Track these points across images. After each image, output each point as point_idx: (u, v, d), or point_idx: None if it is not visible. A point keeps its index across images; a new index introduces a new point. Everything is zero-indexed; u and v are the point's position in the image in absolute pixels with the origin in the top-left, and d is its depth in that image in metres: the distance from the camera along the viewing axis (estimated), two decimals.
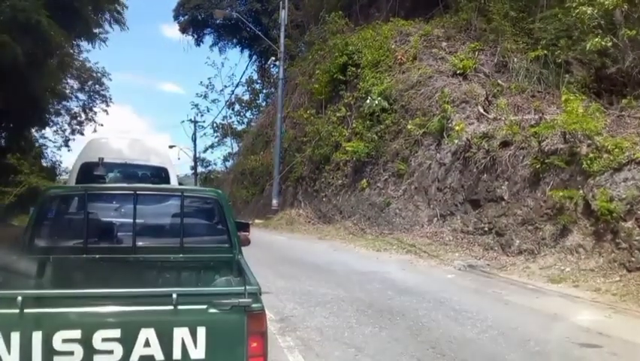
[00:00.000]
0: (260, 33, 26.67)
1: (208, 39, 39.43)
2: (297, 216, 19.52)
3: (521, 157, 12.10)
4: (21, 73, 12.57)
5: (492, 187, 12.40)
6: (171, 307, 2.66)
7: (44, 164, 46.45)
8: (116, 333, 2.61)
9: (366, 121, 18.11)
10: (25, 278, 3.55)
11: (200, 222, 4.65)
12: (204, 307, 2.74)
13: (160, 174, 9.20)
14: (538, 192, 11.27)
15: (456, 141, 13.99)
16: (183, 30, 38.85)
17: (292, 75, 27.21)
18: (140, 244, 4.22)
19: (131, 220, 4.22)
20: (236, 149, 43.31)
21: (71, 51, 25.56)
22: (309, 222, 18.99)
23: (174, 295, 2.67)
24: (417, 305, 7.09)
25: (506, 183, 12.11)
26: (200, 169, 47.72)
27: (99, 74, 28.17)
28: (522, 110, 14.57)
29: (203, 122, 46.74)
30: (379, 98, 17.22)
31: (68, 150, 33.42)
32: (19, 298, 2.54)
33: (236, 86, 42.04)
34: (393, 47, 19.26)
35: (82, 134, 30.14)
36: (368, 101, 17.40)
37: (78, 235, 4.12)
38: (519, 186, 11.77)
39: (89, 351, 2.57)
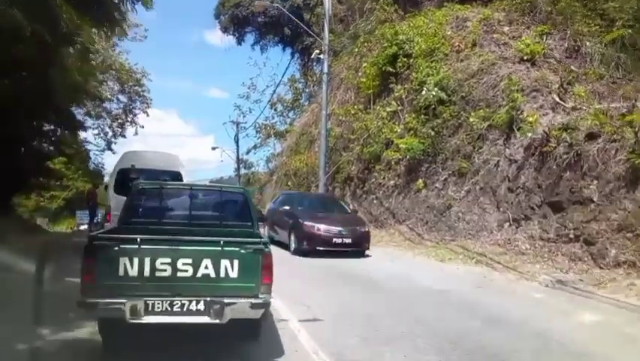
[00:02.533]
0: (302, 24, 25.30)
1: (249, 38, 38.46)
2: None
3: (613, 151, 10.25)
4: (31, 61, 11.57)
5: (577, 187, 10.58)
6: (219, 248, 4.72)
7: (90, 168, 46.63)
8: (189, 260, 4.66)
9: (420, 115, 16.48)
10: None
11: (233, 209, 6.63)
12: (238, 249, 4.81)
13: (176, 177, 12.49)
14: (638, 193, 9.45)
15: (529, 134, 12.23)
16: (224, 29, 38.02)
17: (336, 71, 25.75)
18: (193, 221, 6.22)
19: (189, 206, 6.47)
20: (279, 150, 42.38)
21: (99, 46, 24.99)
22: None
23: (221, 241, 4.74)
24: (517, 344, 5.49)
25: (595, 182, 10.28)
26: (243, 171, 47.05)
27: (139, 75, 27.53)
28: (604, 98, 12.73)
29: (245, 122, 46.11)
30: (436, 89, 15.55)
31: (113, 153, 33.05)
32: (138, 238, 4.62)
33: (278, 85, 40.94)
34: (449, 33, 17.55)
35: (123, 136, 29.65)
36: (424, 92, 15.75)
37: (157, 213, 6.33)
38: (612, 185, 9.93)
39: (175, 270, 4.63)
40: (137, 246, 4.58)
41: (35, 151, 22.94)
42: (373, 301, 7.48)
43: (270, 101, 42.85)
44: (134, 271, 4.56)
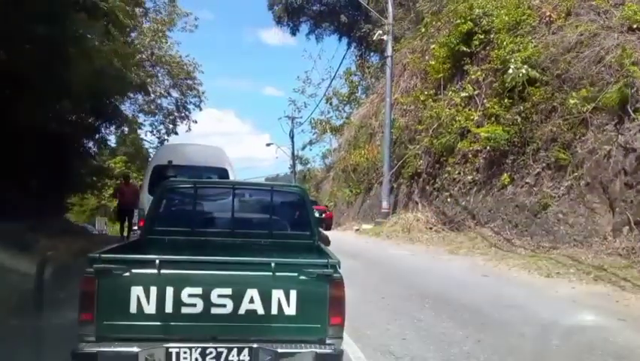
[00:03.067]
0: (362, 1, 23.15)
1: (304, 28, 36.86)
2: (415, 221, 15.82)
3: None
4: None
5: None
6: (270, 273, 3.41)
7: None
8: (228, 291, 3.38)
9: (504, 99, 14.10)
10: None
11: (287, 214, 5.40)
12: (296, 274, 3.47)
13: (222, 175, 10.58)
14: None
15: None
16: (278, 20, 36.59)
17: (398, 57, 23.44)
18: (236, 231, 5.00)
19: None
20: (335, 145, 40.67)
21: (147, 37, 23.74)
22: (431, 228, 15.24)
23: (272, 264, 3.42)
24: None
25: None
26: (299, 167, 45.60)
27: (190, 66, 26.24)
28: None
29: (301, 117, 44.61)
30: (525, 67, 13.11)
31: None
32: (157, 261, 3.36)
33: (334, 77, 39.09)
34: (535, 3, 15.01)
35: (176, 133, 28.57)
36: (510, 71, 13.32)
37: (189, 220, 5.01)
38: None
39: (208, 304, 3.35)
40: (155, 271, 3.35)
41: (81, 149, 22.10)
42: (485, 348, 5.29)
43: (325, 95, 41.21)
44: (150, 307, 3.33)
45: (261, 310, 3.39)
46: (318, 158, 43.39)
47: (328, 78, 40.99)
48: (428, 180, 17.30)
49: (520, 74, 13.05)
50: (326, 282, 3.45)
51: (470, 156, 15.17)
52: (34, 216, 16.17)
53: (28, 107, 12.67)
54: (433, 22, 19.88)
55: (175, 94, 27.59)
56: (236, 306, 3.37)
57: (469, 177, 14.98)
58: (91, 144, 23.48)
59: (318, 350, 3.37)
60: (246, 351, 3.34)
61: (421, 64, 19.88)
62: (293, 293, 3.41)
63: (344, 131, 33.64)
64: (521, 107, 13.44)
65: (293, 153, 45.42)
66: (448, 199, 15.61)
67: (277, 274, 3.40)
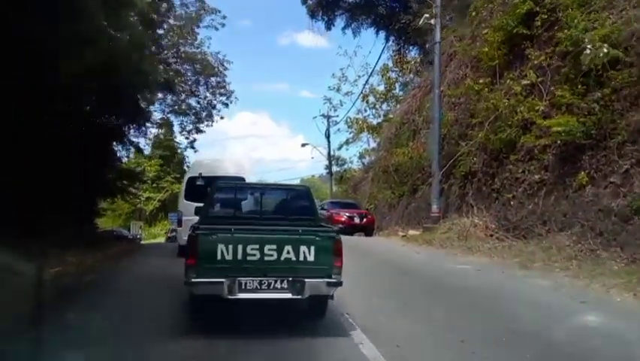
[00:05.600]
0: None
1: (339, 22, 35.03)
2: (473, 227, 13.93)
3: None
4: None
5: None
6: (298, 236, 5.63)
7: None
8: (274, 246, 5.47)
9: (576, 85, 12.11)
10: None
11: (297, 205, 7.40)
12: (314, 236, 5.64)
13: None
14: None
15: None
16: (312, 14, 34.90)
17: (444, 47, 21.43)
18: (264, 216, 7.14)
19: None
20: (372, 145, 38.93)
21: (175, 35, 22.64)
22: (492, 235, 13.32)
23: (300, 230, 5.73)
24: None
25: None
26: (335, 168, 43.91)
27: (217, 62, 24.93)
28: None
29: (337, 116, 43.01)
30: (605, 46, 11.13)
31: (195, 152, 30.97)
32: (232, 228, 5.59)
33: (371, 73, 37.38)
34: None
35: (202, 131, 27.45)
36: (587, 52, 11.34)
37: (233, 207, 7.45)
38: None
39: (262, 254, 5.43)
40: (230, 235, 5.50)
41: (108, 153, 21.18)
42: None
43: (361, 92, 39.59)
44: (229, 256, 5.39)
45: (293, 258, 5.48)
46: (355, 158, 41.78)
47: (364, 75, 39.48)
48: (485, 181, 15.36)
49: (601, 54, 11.06)
50: (332, 241, 5.68)
51: (536, 152, 13.20)
52: (60, 224, 15.21)
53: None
54: (485, 5, 17.90)
55: (202, 92, 26.34)
56: (279, 255, 5.46)
57: (536, 177, 12.99)
58: (119, 147, 22.55)
59: (328, 280, 5.54)
60: (285, 281, 5.47)
61: (471, 51, 17.93)
62: (312, 248, 5.51)
63: (383, 130, 31.82)
64: (599, 94, 11.44)
65: (329, 154, 43.85)
66: (511, 202, 13.64)
67: (302, 236, 5.60)
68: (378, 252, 14.19)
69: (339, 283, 5.54)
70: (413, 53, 36.18)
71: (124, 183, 25.06)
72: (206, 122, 27.50)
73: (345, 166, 43.22)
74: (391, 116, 28.87)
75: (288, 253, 5.40)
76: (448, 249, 13.28)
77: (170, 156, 58.19)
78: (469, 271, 10.25)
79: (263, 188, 7.83)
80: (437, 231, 15.20)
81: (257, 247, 5.35)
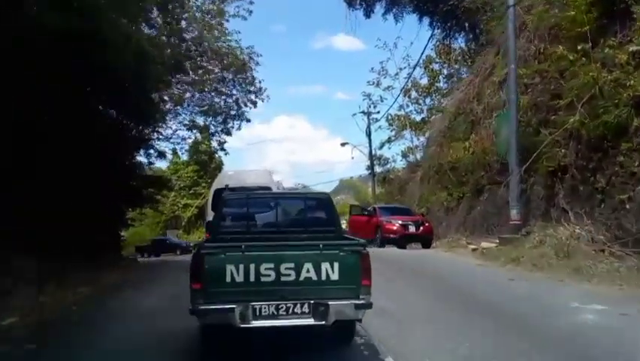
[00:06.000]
0: None
1: (378, 9, 32.02)
2: (572, 238, 10.68)
3: None
4: None
5: None
6: (319, 251, 4.93)
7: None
8: (292, 265, 4.84)
9: None
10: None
11: (316, 213, 6.62)
12: (337, 251, 4.97)
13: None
14: None
15: None
16: (350, 2, 32.05)
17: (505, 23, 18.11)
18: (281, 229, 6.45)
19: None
20: (416, 142, 35.75)
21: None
22: (602, 251, 10.01)
23: (320, 245, 4.98)
24: None
25: None
26: (377, 169, 40.79)
27: (245, 57, 22.27)
28: None
29: (377, 112, 39.95)
30: None
31: (225, 154, 28.77)
32: (242, 245, 4.89)
33: (417, 64, 34.25)
34: None
35: (229, 134, 25.23)
36: None
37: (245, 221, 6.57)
38: None
39: (278, 274, 4.82)
40: (241, 253, 4.86)
41: (128, 160, 19.07)
42: None
43: (404, 87, 36.56)
44: (240, 277, 4.78)
45: (314, 277, 4.90)
46: (399, 157, 38.63)
47: (406, 67, 36.56)
48: (582, 178, 11.98)
49: None
50: (358, 255, 5.03)
51: None
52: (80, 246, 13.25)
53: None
54: None
55: (230, 88, 23.85)
56: (297, 275, 4.88)
57: None
58: (141, 152, 20.36)
59: (356, 302, 4.91)
60: (306, 305, 4.84)
61: (550, 19, 14.58)
62: (335, 265, 4.92)
63: (433, 123, 28.63)
64: None
65: (370, 153, 40.71)
66: (627, 205, 10.29)
67: (324, 251, 4.97)
68: (447, 275, 10.89)
69: (368, 305, 4.99)
70: (459, 42, 33.15)
71: (150, 191, 23.00)
72: (236, 123, 24.99)
73: (388, 166, 40.13)
74: (444, 105, 25.59)
75: (308, 271, 4.89)
76: (547, 271, 9.93)
77: (207, 161, 56.72)
78: (604, 317, 6.47)
79: (278, 198, 7.23)
80: (523, 244, 11.88)
81: (272, 265, 4.84)
